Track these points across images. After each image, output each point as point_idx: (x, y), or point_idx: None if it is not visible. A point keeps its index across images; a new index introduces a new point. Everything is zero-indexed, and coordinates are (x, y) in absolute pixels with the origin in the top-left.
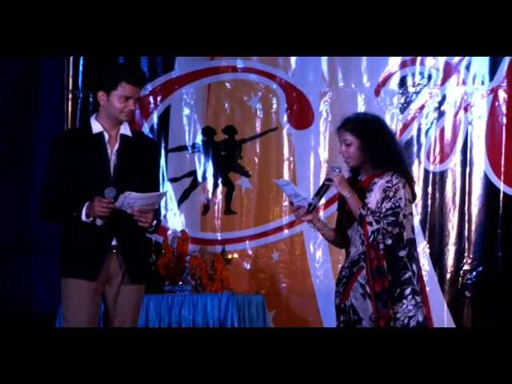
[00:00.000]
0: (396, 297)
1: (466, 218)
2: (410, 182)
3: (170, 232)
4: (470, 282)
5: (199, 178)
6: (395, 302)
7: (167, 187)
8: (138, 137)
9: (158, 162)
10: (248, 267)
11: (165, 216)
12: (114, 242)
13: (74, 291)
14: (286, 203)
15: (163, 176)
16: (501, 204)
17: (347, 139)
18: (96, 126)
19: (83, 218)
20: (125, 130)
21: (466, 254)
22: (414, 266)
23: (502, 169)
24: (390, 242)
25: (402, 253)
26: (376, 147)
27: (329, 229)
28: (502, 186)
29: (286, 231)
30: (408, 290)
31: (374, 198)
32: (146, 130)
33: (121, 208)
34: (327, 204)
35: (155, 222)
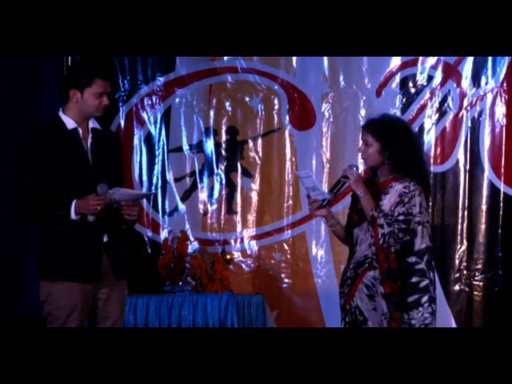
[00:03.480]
0: (413, 303)
1: (468, 218)
2: (426, 191)
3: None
4: (472, 282)
5: (200, 179)
6: (411, 308)
7: (168, 187)
8: (104, 129)
9: (121, 154)
10: (249, 267)
11: (166, 216)
12: (105, 239)
13: (68, 296)
14: (287, 204)
15: (164, 176)
16: (501, 204)
17: (367, 140)
18: (69, 122)
19: (72, 216)
20: (93, 123)
21: (467, 255)
22: (431, 274)
23: (503, 169)
24: (399, 247)
25: (412, 259)
26: (396, 152)
27: (341, 226)
28: (502, 187)
29: (288, 231)
30: (425, 298)
31: (388, 201)
32: (147, 130)
33: (110, 195)
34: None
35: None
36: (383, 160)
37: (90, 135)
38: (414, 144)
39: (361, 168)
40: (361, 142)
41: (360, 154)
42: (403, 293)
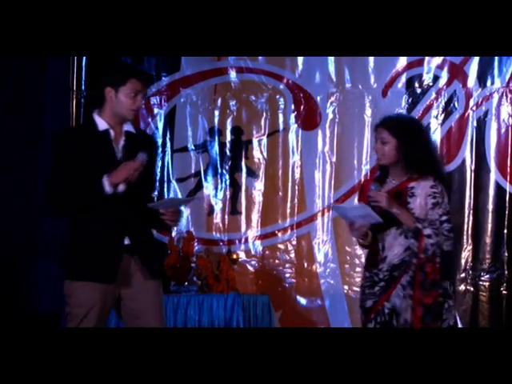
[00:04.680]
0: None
1: (473, 218)
2: (448, 189)
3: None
4: (477, 282)
5: (205, 179)
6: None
7: (172, 187)
8: (140, 133)
9: (154, 158)
10: (254, 268)
11: None
12: (126, 242)
13: (86, 295)
14: (291, 204)
15: (168, 176)
16: (507, 205)
17: (384, 137)
18: (101, 123)
19: (106, 187)
20: (128, 127)
21: (473, 255)
22: None
23: (509, 169)
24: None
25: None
26: (413, 149)
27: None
28: (508, 187)
29: (293, 231)
30: (451, 302)
31: (418, 204)
32: (151, 130)
33: (152, 207)
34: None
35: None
36: (399, 157)
37: (123, 138)
38: (429, 142)
39: (367, 167)
40: (375, 139)
41: (376, 152)
42: (442, 301)
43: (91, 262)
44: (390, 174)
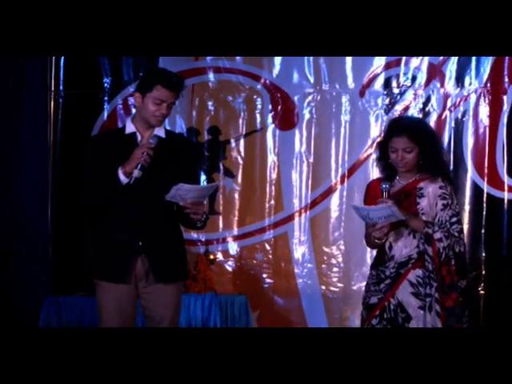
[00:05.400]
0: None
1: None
2: (455, 189)
3: None
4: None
5: None
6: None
7: None
8: (173, 138)
9: (194, 162)
10: (232, 268)
11: None
12: (140, 243)
13: (105, 294)
14: (269, 204)
15: None
16: (484, 205)
17: (408, 147)
18: (130, 127)
19: (121, 177)
20: (159, 132)
21: None
22: None
23: (486, 170)
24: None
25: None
26: (432, 153)
27: None
28: (485, 187)
29: (270, 232)
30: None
31: (427, 204)
32: None
33: (171, 200)
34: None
35: (204, 216)
36: (418, 162)
37: None
38: (441, 143)
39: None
40: (390, 149)
41: (396, 161)
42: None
43: (106, 263)
44: (399, 174)
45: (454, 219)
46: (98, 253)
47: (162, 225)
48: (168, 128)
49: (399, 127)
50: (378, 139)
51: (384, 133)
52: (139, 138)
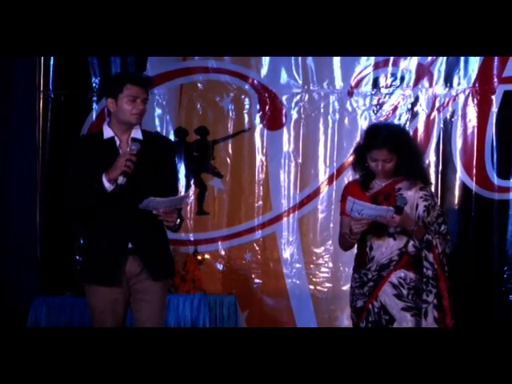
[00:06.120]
0: None
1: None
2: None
3: None
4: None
5: None
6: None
7: None
8: (151, 138)
9: (173, 160)
10: (221, 268)
11: None
12: (129, 245)
13: (97, 297)
14: (257, 204)
15: None
16: (473, 205)
17: (388, 158)
18: (107, 132)
19: (106, 184)
20: (136, 133)
21: None
22: None
23: (474, 170)
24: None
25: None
26: (410, 159)
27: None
28: (474, 187)
29: (259, 232)
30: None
31: (409, 206)
32: None
33: (145, 209)
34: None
35: (179, 220)
36: (397, 169)
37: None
38: (416, 147)
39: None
40: (371, 159)
41: (377, 170)
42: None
43: (95, 266)
44: (377, 177)
45: (441, 220)
46: (88, 257)
47: (148, 224)
48: (155, 128)
49: (379, 140)
50: (355, 144)
51: (363, 140)
52: (118, 142)
